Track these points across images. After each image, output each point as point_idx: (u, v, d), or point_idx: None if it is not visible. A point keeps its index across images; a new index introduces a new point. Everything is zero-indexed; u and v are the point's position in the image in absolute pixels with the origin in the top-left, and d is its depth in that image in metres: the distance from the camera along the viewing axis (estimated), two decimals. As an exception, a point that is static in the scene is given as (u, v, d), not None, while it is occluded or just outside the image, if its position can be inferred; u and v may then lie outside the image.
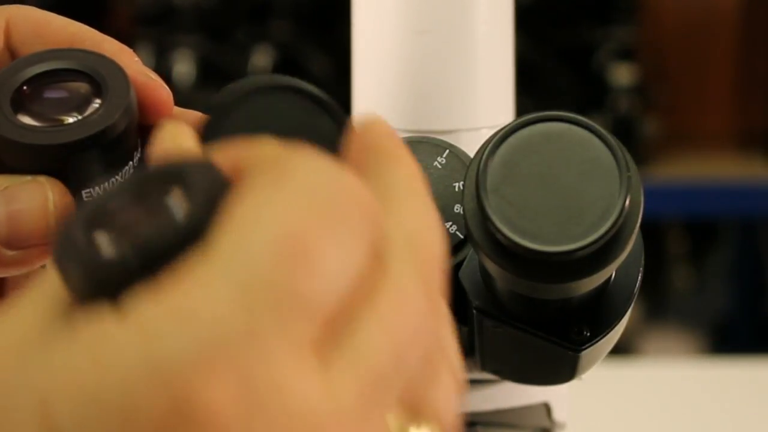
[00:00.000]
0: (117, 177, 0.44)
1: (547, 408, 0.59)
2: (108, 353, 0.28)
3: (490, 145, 0.45)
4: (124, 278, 0.29)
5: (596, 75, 2.12)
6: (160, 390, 0.28)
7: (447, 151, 0.51)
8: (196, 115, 0.46)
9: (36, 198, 0.43)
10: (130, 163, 0.45)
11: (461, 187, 0.49)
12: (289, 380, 0.28)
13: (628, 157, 0.45)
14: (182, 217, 0.30)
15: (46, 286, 0.31)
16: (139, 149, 0.46)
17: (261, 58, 2.15)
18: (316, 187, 0.30)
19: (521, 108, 0.55)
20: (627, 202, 0.44)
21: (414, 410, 0.31)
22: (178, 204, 0.30)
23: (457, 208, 0.50)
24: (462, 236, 0.49)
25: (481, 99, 0.55)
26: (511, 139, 0.45)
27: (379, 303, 0.30)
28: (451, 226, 0.50)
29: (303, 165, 0.31)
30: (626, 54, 2.15)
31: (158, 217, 0.30)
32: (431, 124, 0.54)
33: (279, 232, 0.29)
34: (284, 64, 2.15)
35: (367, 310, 0.30)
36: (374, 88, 0.55)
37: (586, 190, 0.44)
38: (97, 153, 0.43)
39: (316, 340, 0.29)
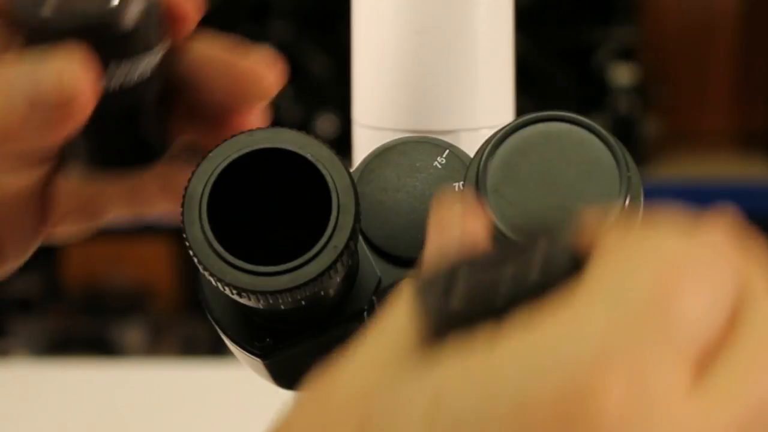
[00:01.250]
0: (140, 59, 0.45)
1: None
2: (508, 357, 0.31)
3: (490, 145, 0.45)
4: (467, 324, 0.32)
5: (596, 75, 2.12)
6: (554, 388, 0.30)
7: (447, 151, 0.51)
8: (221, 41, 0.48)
9: (60, 64, 0.43)
10: (155, 49, 0.46)
11: (461, 187, 0.49)
12: (672, 392, 0.30)
13: (628, 157, 0.45)
14: (536, 273, 0.33)
15: (397, 321, 0.33)
16: (164, 40, 0.46)
17: (261, 58, 2.15)
18: (680, 245, 0.32)
19: (521, 108, 0.55)
20: (627, 202, 0.44)
21: None
22: (536, 262, 0.33)
23: (457, 208, 0.50)
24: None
25: (481, 99, 0.55)
26: (511, 139, 0.45)
27: (744, 351, 0.32)
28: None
29: (660, 232, 0.33)
30: (626, 54, 2.15)
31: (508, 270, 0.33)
32: (431, 124, 0.54)
33: (651, 273, 0.31)
34: (284, 64, 2.15)
35: (734, 355, 0.32)
36: (374, 88, 0.55)
37: (586, 190, 0.44)
38: (124, 35, 0.44)
39: (692, 367, 0.31)
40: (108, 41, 0.44)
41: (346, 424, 0.31)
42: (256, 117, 0.49)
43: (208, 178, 0.44)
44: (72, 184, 0.50)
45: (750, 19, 2.33)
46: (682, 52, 2.33)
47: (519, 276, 0.33)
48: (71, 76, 0.43)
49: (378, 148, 0.50)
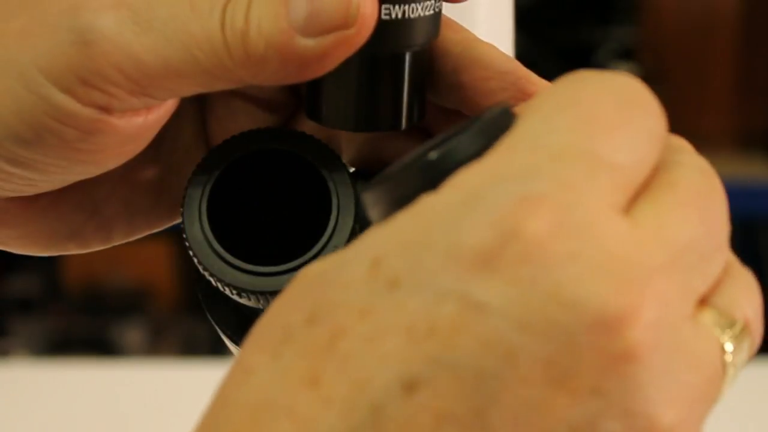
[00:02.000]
0: (417, 5, 0.42)
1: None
2: (433, 211, 0.31)
3: None
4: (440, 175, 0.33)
5: (596, 75, 2.12)
6: (484, 226, 0.30)
7: (447, 151, 0.51)
8: None
9: None
10: (432, 0, 0.43)
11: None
12: (600, 220, 0.30)
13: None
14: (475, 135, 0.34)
15: None
16: None
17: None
18: (613, 84, 0.33)
19: (521, 108, 0.55)
20: None
21: (726, 314, 0.33)
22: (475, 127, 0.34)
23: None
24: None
25: (481, 99, 0.55)
26: None
27: (676, 189, 0.32)
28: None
29: (598, 74, 0.34)
30: (626, 54, 2.15)
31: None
32: (431, 124, 0.54)
33: (576, 111, 0.32)
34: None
35: (665, 192, 0.32)
36: (374, 88, 0.55)
37: None
38: None
39: (620, 200, 0.31)
40: None
41: (298, 310, 0.32)
42: None
43: (208, 178, 0.44)
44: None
45: (750, 19, 2.33)
46: (682, 52, 2.34)
47: (457, 141, 0.33)
48: None
49: (378, 148, 0.50)
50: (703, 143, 2.54)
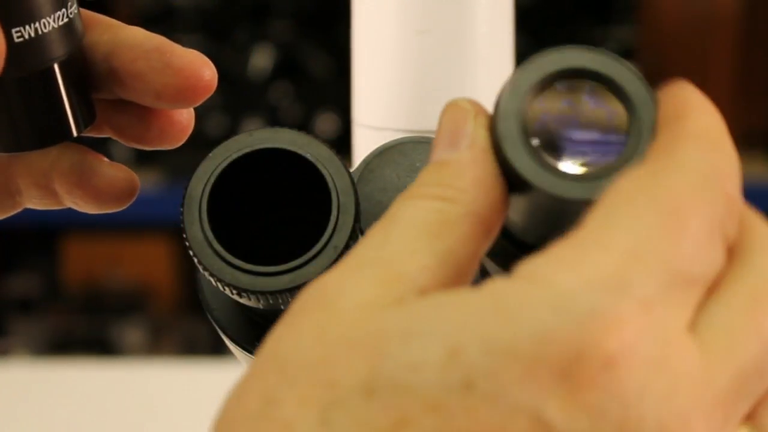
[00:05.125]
0: (48, 19, 0.43)
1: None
2: (519, 306, 0.30)
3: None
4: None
5: (596, 75, 2.12)
6: (571, 339, 0.30)
7: (447, 151, 0.51)
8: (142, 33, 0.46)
9: None
10: (63, 9, 0.43)
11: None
12: (673, 348, 0.30)
13: None
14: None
15: None
16: (69, 4, 0.44)
17: (261, 58, 2.15)
18: (701, 168, 0.33)
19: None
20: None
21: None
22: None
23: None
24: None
25: (481, 99, 0.55)
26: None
27: (743, 297, 0.32)
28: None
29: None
30: (626, 54, 2.15)
31: None
32: (431, 124, 0.54)
33: (661, 210, 0.32)
34: (284, 64, 2.15)
35: (737, 310, 0.32)
36: (374, 88, 0.55)
37: None
38: None
39: (692, 314, 0.31)
40: None
41: (352, 371, 0.30)
42: (186, 116, 0.48)
43: (208, 178, 0.44)
44: None
45: (750, 18, 2.33)
46: (682, 52, 2.33)
47: None
48: None
49: (378, 147, 0.50)
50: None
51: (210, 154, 0.45)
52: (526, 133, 0.37)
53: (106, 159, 0.48)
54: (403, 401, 0.30)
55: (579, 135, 0.38)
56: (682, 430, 0.30)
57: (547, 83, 0.38)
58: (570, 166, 0.38)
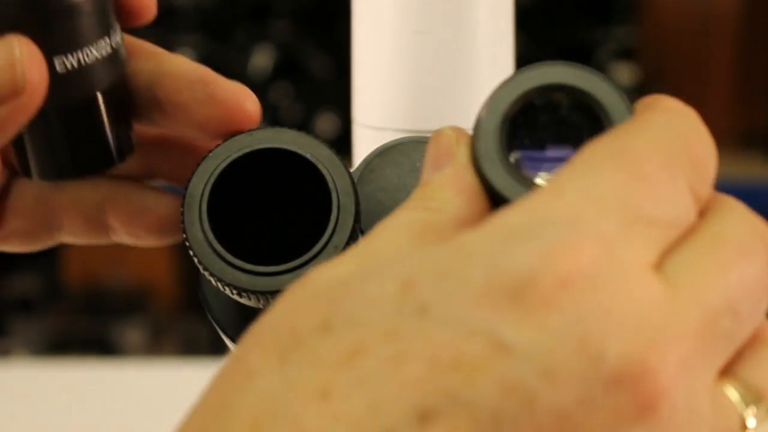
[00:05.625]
0: (91, 48, 0.43)
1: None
2: (473, 245, 0.31)
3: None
4: None
5: (596, 75, 2.12)
6: (522, 264, 0.30)
7: (447, 151, 0.51)
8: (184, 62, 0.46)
9: (3, 54, 0.41)
10: (106, 38, 0.43)
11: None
12: (635, 277, 0.30)
13: None
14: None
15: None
16: (116, 29, 0.44)
17: (261, 58, 2.15)
18: (667, 133, 0.33)
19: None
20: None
21: (753, 391, 0.32)
22: None
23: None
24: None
25: (481, 99, 0.55)
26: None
27: (718, 247, 0.32)
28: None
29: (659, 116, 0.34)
30: (626, 54, 2.15)
31: None
32: (431, 124, 0.54)
33: (625, 164, 0.32)
34: (284, 64, 2.15)
35: (706, 249, 0.32)
36: (374, 88, 0.55)
37: None
38: (69, 22, 0.42)
39: (656, 256, 0.31)
40: (51, 25, 0.42)
41: (311, 316, 0.31)
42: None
43: (208, 178, 0.44)
44: (23, 197, 0.48)
45: (750, 18, 2.33)
46: (682, 52, 2.34)
47: None
48: (20, 63, 0.41)
49: (378, 147, 0.50)
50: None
51: (210, 154, 0.45)
52: (504, 150, 0.38)
53: (160, 188, 0.48)
54: (358, 332, 0.30)
55: (557, 150, 0.39)
56: (650, 353, 0.30)
57: (525, 100, 0.39)
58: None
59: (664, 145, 0.33)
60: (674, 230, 0.32)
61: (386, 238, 0.34)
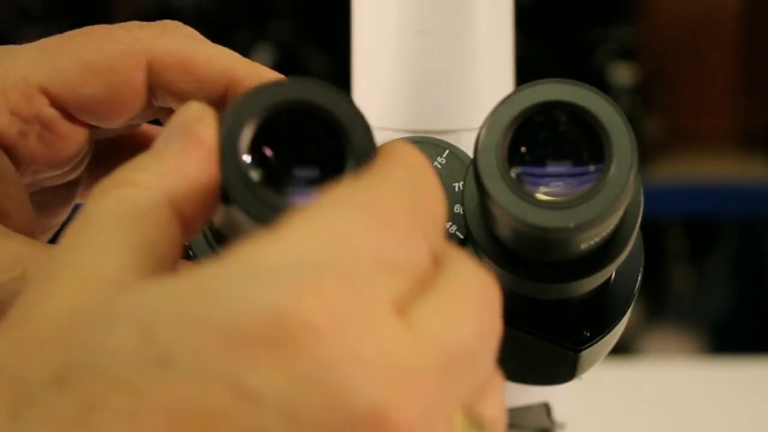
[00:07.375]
0: None
1: (547, 408, 0.59)
2: (215, 282, 0.30)
3: None
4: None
5: (596, 75, 2.12)
6: (267, 309, 0.29)
7: (447, 151, 0.51)
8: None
9: None
10: None
11: (461, 187, 0.49)
12: (379, 320, 0.30)
13: None
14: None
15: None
16: None
17: (261, 58, 2.15)
18: (407, 182, 0.34)
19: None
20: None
21: (476, 420, 0.33)
22: None
23: (457, 208, 0.50)
24: (462, 236, 0.50)
25: (481, 99, 0.55)
26: None
27: (454, 291, 0.33)
28: (451, 226, 0.50)
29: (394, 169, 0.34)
30: (626, 54, 2.15)
31: None
32: (431, 124, 0.54)
33: (371, 208, 0.32)
34: (284, 64, 2.15)
35: (444, 294, 0.32)
36: (374, 88, 0.55)
37: None
38: None
39: (398, 300, 0.31)
40: None
41: (42, 366, 0.30)
42: None
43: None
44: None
45: (750, 18, 2.33)
46: (682, 52, 2.33)
47: None
48: None
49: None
50: (703, 143, 2.53)
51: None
52: (505, 166, 0.38)
53: None
54: (93, 386, 0.29)
55: (557, 165, 0.39)
56: (396, 393, 0.30)
57: (524, 117, 0.39)
58: (548, 195, 0.39)
59: (404, 195, 0.33)
60: (413, 276, 0.32)
61: (95, 241, 0.32)
